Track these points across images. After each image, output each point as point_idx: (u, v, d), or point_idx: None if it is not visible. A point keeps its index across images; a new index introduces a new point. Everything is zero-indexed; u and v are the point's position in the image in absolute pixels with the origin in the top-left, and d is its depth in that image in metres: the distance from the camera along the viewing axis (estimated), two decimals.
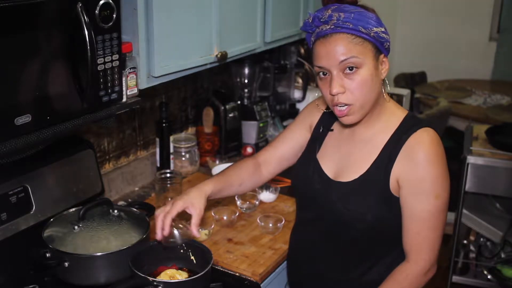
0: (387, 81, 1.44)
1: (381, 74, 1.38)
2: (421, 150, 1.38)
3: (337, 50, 1.32)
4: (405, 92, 3.11)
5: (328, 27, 1.33)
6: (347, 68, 1.33)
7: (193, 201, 1.49)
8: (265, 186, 2.11)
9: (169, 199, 2.01)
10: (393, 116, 1.45)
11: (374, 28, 1.32)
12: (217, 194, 1.61)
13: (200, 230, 1.83)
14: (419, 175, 1.38)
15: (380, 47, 1.35)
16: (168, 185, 2.03)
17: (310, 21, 1.37)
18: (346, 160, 1.49)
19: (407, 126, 1.42)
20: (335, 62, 1.33)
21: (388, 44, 1.37)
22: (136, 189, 2.25)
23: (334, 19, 1.32)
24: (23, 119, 1.31)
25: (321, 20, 1.34)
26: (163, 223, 1.46)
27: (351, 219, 1.44)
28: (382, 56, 1.37)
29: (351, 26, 1.31)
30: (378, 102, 1.42)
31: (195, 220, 1.47)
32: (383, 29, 1.34)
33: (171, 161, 2.27)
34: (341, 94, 1.35)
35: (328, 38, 1.33)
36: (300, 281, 1.63)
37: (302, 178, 1.57)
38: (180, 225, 1.53)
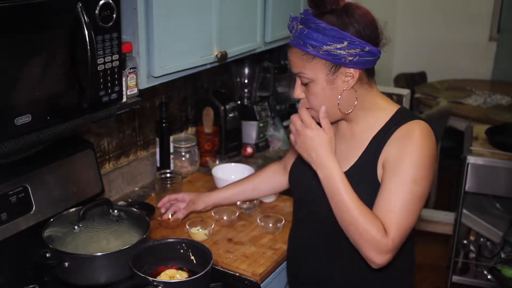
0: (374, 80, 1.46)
1: (344, 85, 1.38)
2: (410, 137, 1.37)
3: (291, 62, 1.42)
4: (405, 92, 3.11)
5: (291, 37, 1.41)
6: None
7: (194, 198, 1.89)
8: None
9: None
10: (382, 112, 1.45)
11: (325, 46, 1.33)
12: (228, 201, 1.92)
13: (199, 230, 1.84)
14: (401, 157, 1.36)
15: (338, 62, 1.35)
16: (168, 185, 2.03)
17: (289, 24, 1.43)
18: (337, 155, 1.49)
19: (398, 119, 1.43)
20: (293, 71, 1.43)
21: (352, 58, 1.34)
22: (136, 189, 2.25)
23: (293, 31, 1.39)
24: (23, 119, 1.31)
25: (290, 27, 1.42)
26: (165, 200, 1.89)
27: None
28: (343, 69, 1.37)
29: (301, 42, 1.36)
30: (356, 105, 1.42)
31: (185, 209, 1.87)
32: (343, 45, 1.32)
33: (171, 161, 2.27)
34: (304, 99, 1.43)
35: (289, 48, 1.42)
36: (299, 280, 1.63)
37: (298, 175, 1.59)
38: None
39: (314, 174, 1.51)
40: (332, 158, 1.40)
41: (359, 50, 1.34)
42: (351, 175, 1.44)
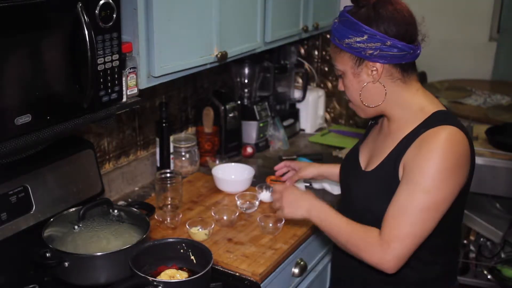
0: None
1: (369, 78, 1.41)
2: (432, 142, 1.34)
3: (330, 55, 1.50)
4: None
5: None
6: None
7: (302, 167, 1.96)
8: (265, 186, 2.11)
9: (169, 199, 2.01)
10: (420, 112, 1.43)
11: (346, 39, 1.38)
12: (327, 177, 1.96)
13: (199, 230, 1.84)
14: (418, 163, 1.35)
15: (359, 55, 1.39)
16: (168, 185, 2.03)
17: None
18: (374, 151, 1.54)
19: (431, 121, 1.40)
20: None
21: (372, 51, 1.36)
22: (136, 189, 2.25)
23: (332, 26, 1.46)
24: (23, 119, 1.30)
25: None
26: (282, 165, 2.01)
27: (361, 207, 1.48)
28: (367, 62, 1.40)
29: (332, 36, 1.45)
30: (387, 101, 1.43)
31: (293, 177, 1.95)
32: (363, 38, 1.36)
33: (171, 161, 2.27)
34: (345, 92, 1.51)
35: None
36: (339, 274, 1.68)
37: (343, 167, 1.67)
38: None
39: (354, 167, 1.59)
40: (306, 202, 1.55)
41: (379, 44, 1.36)
42: (375, 174, 1.47)
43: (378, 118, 1.60)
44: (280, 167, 2.02)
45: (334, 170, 1.90)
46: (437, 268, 1.49)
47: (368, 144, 1.61)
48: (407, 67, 1.42)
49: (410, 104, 1.44)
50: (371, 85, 1.42)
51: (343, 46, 1.40)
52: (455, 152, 1.35)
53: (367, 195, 1.48)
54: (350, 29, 1.37)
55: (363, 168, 1.55)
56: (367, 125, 1.69)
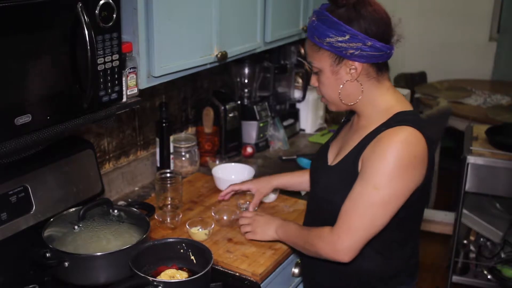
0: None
1: (348, 76, 1.44)
2: (387, 141, 1.38)
3: (306, 52, 1.51)
4: (405, 92, 3.11)
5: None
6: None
7: (260, 187, 1.92)
8: None
9: (169, 199, 2.01)
10: (386, 112, 1.46)
11: (328, 38, 1.39)
12: (288, 187, 1.95)
13: (199, 230, 1.84)
14: (371, 160, 1.40)
15: (340, 54, 1.41)
16: (168, 185, 2.03)
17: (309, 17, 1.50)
18: (342, 146, 1.57)
19: (392, 121, 1.44)
20: (307, 61, 1.52)
21: (353, 51, 1.38)
22: (136, 189, 2.25)
23: (308, 23, 1.47)
24: (23, 119, 1.31)
25: (309, 20, 1.49)
26: (228, 190, 1.97)
27: (323, 200, 1.53)
28: (347, 61, 1.42)
29: (310, 33, 1.45)
30: (361, 98, 1.46)
31: (255, 200, 1.91)
32: (345, 38, 1.37)
33: (171, 161, 2.27)
34: (318, 87, 1.52)
35: (306, 39, 1.51)
36: (306, 269, 1.72)
37: (312, 163, 1.70)
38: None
39: (322, 162, 1.62)
40: (273, 226, 1.73)
41: (360, 44, 1.37)
42: (338, 167, 1.51)
43: (350, 115, 1.63)
44: (227, 192, 1.99)
45: (297, 179, 1.90)
46: (397, 263, 1.53)
47: (338, 140, 1.64)
48: (381, 66, 1.45)
49: (379, 102, 1.47)
50: (349, 83, 1.45)
51: (324, 44, 1.41)
52: (409, 153, 1.38)
53: (329, 187, 1.53)
54: (332, 28, 1.38)
55: (329, 163, 1.59)
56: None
